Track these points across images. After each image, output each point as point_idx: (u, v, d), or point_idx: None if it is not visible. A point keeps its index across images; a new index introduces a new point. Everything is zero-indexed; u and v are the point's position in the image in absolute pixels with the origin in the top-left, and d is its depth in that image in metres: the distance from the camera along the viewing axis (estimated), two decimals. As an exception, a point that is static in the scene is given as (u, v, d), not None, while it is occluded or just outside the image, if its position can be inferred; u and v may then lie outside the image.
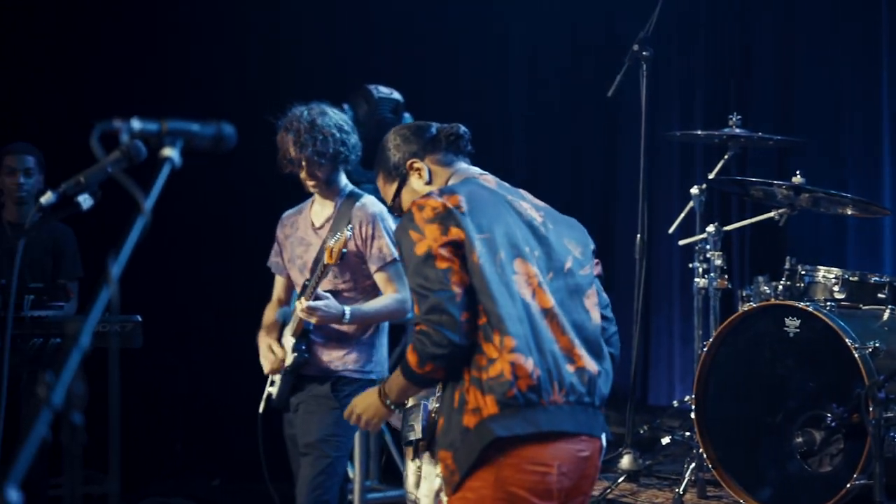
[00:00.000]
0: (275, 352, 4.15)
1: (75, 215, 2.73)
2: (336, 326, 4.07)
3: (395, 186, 3.19)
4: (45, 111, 6.35)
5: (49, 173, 5.42)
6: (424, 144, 3.20)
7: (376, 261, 4.07)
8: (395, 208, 3.25)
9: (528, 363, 2.74)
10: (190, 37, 6.70)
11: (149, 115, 2.14)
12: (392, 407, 3.04)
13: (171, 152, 2.06)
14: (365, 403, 3.11)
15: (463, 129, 3.21)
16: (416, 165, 3.16)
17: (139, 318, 4.61)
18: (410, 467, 3.08)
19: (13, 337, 4.31)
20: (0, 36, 6.41)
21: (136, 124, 2.06)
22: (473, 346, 2.76)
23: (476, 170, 3.16)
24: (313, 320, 3.95)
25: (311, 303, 3.89)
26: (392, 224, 4.20)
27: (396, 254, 4.06)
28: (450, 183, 3.10)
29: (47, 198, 2.65)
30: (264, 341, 4.22)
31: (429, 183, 3.14)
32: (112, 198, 2.53)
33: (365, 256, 4.08)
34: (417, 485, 3.06)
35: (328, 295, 3.96)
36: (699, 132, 5.71)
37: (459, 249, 2.81)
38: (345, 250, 3.85)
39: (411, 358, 2.80)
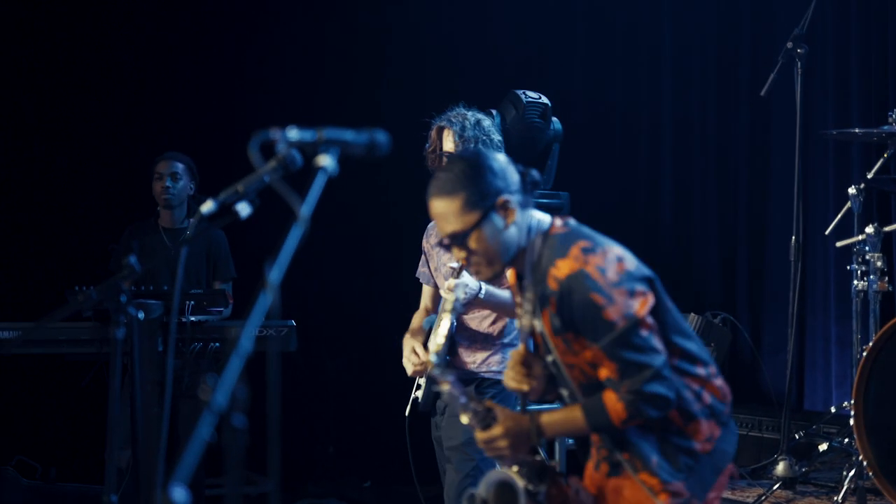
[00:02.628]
0: (418, 354, 4.19)
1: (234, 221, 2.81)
2: (478, 329, 4.11)
3: (475, 217, 2.81)
4: (201, 122, 6.55)
5: (204, 182, 5.60)
6: (524, 183, 2.90)
7: None
8: (461, 244, 2.83)
9: (722, 383, 2.93)
10: (336, 43, 6.82)
11: (301, 123, 2.18)
12: (540, 444, 2.90)
13: (326, 161, 2.11)
14: (514, 433, 2.85)
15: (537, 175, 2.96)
16: (509, 205, 2.84)
17: (293, 323, 4.71)
18: None
19: (174, 341, 4.46)
20: (157, 47, 6.64)
21: (293, 133, 2.11)
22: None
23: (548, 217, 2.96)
24: (461, 295, 3.94)
25: (457, 280, 3.91)
26: None
27: None
28: (546, 229, 2.89)
29: (207, 207, 2.72)
30: (408, 343, 4.26)
31: (510, 226, 2.84)
32: (270, 205, 2.60)
33: None
34: None
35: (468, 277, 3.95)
36: (856, 130, 5.52)
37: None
38: None
39: (617, 413, 2.75)
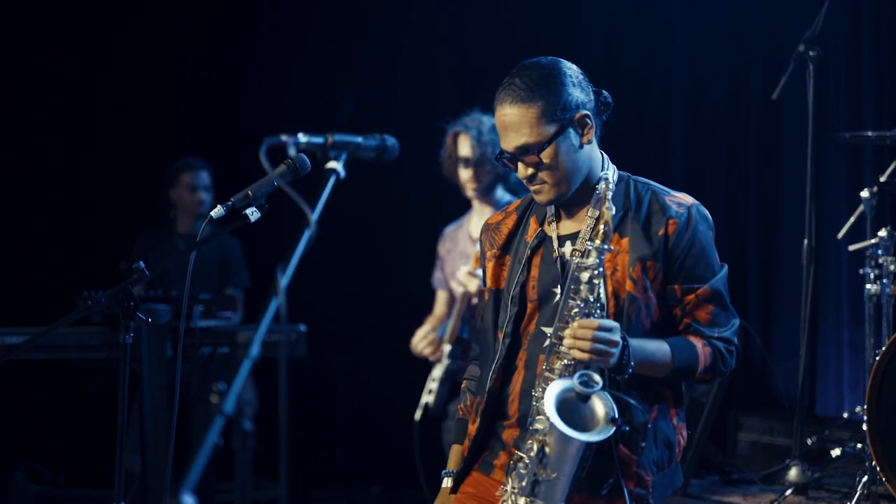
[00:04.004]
0: (424, 334, 4.14)
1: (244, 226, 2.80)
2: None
3: (553, 130, 2.56)
4: (211, 126, 6.54)
5: (215, 187, 5.60)
6: (597, 103, 2.70)
7: None
8: (525, 157, 2.55)
9: None
10: (345, 46, 6.81)
11: (311, 127, 2.17)
12: (627, 372, 2.46)
13: (336, 165, 2.10)
14: (612, 341, 2.43)
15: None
16: (588, 121, 2.64)
17: (303, 328, 4.70)
18: None
19: (183, 346, 4.46)
20: (165, 51, 6.64)
21: (303, 138, 2.10)
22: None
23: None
24: (473, 287, 3.93)
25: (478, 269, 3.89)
26: None
27: None
28: (608, 165, 2.73)
29: (217, 211, 2.72)
30: (416, 338, 4.23)
31: (584, 146, 2.62)
32: (280, 209, 2.58)
33: None
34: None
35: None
36: (869, 133, 5.50)
37: None
38: None
39: (704, 359, 2.58)
